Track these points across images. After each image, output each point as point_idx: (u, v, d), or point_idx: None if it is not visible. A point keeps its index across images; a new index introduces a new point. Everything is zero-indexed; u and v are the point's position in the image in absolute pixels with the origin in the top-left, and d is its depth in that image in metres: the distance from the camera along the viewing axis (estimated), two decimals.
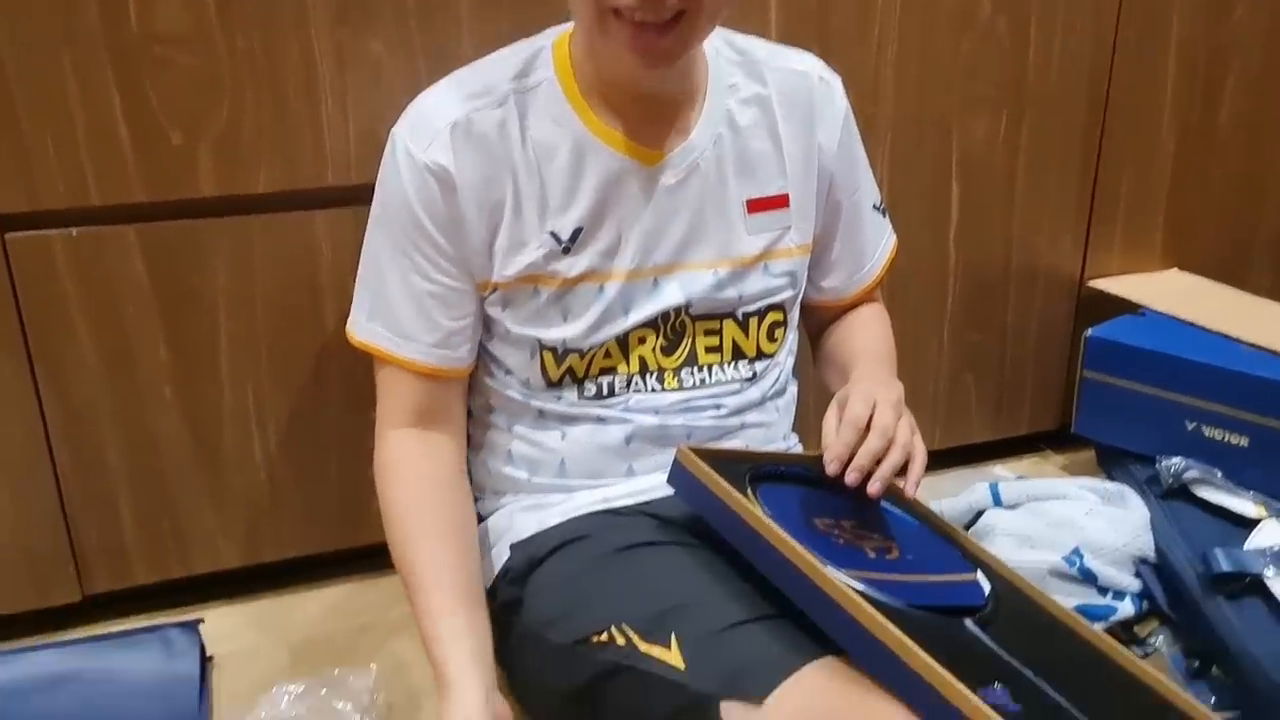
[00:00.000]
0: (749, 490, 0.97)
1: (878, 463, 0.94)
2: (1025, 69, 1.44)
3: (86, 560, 1.24)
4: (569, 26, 1.03)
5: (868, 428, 0.95)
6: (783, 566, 0.88)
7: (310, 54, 1.14)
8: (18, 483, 1.19)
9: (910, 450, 0.96)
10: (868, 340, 1.18)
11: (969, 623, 0.90)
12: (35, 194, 1.10)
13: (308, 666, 1.20)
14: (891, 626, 0.80)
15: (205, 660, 1.19)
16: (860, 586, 0.85)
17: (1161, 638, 1.22)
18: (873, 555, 0.96)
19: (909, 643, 0.78)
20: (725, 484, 0.95)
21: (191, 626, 1.19)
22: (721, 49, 1.08)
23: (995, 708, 0.74)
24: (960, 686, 0.75)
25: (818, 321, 1.24)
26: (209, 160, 1.14)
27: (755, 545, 0.91)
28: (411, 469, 1.04)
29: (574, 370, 1.06)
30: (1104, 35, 1.47)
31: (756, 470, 1.03)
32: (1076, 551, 1.22)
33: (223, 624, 1.28)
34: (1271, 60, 1.58)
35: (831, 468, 0.94)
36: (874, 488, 0.93)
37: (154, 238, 1.15)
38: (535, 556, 1.04)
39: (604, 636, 0.94)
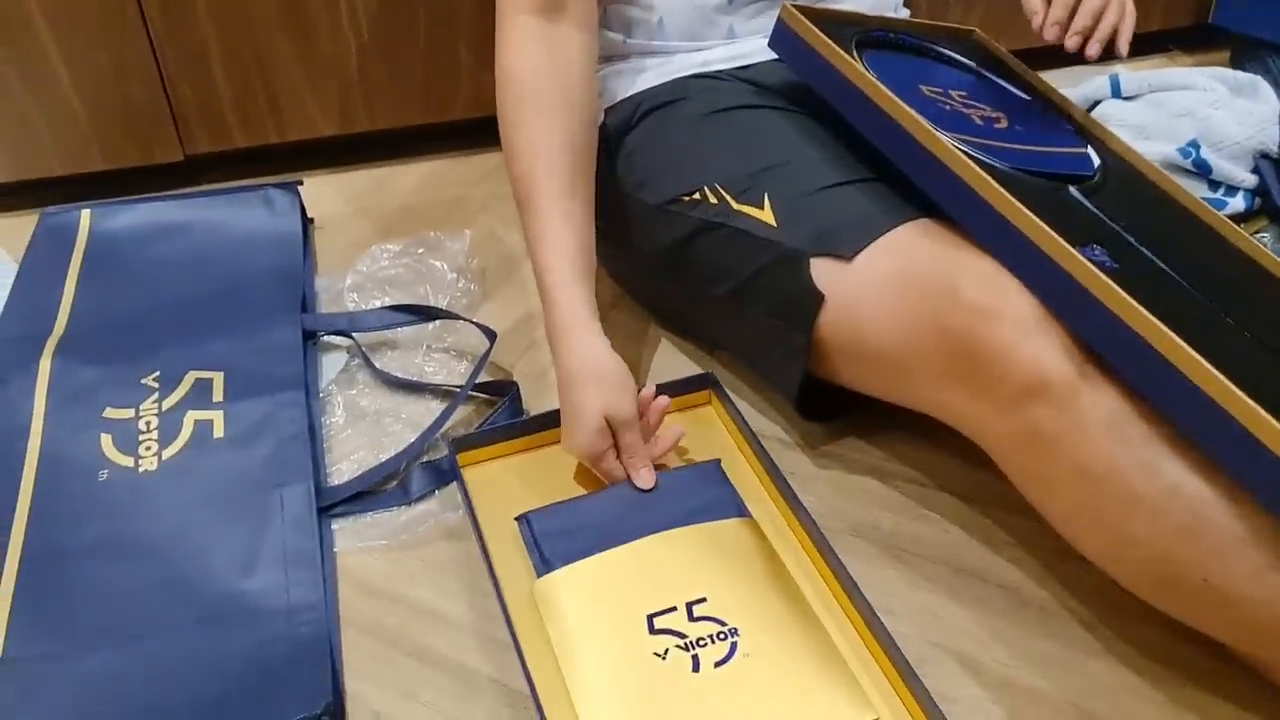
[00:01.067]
0: (855, 53, 0.92)
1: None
2: None
3: (186, 120, 1.26)
4: None
5: None
6: (886, 126, 0.85)
7: None
8: (111, 37, 1.18)
9: (1124, 4, 0.93)
10: None
11: (1074, 189, 0.88)
12: None
13: (403, 231, 1.23)
14: (994, 182, 0.78)
15: (306, 220, 1.23)
16: (964, 149, 0.82)
17: (1269, 235, 1.18)
18: (980, 123, 0.92)
19: (1010, 198, 0.76)
20: (831, 44, 0.90)
21: (291, 188, 1.22)
22: None
23: (1093, 263, 0.73)
24: (1060, 240, 0.74)
25: None
26: None
27: (859, 106, 0.87)
28: (531, 65, 0.93)
29: None
30: None
31: (865, 34, 0.98)
32: (1193, 143, 1.16)
33: (321, 191, 1.30)
34: None
35: (1051, 32, 0.90)
36: (1093, 49, 0.90)
37: None
38: (628, 119, 1.02)
39: (696, 195, 0.94)
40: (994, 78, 1.02)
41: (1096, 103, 1.25)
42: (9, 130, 1.21)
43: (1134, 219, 0.86)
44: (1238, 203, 1.17)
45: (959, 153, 0.80)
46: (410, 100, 1.32)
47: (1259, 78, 1.24)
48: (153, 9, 1.17)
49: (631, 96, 1.02)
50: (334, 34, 1.24)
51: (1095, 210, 0.86)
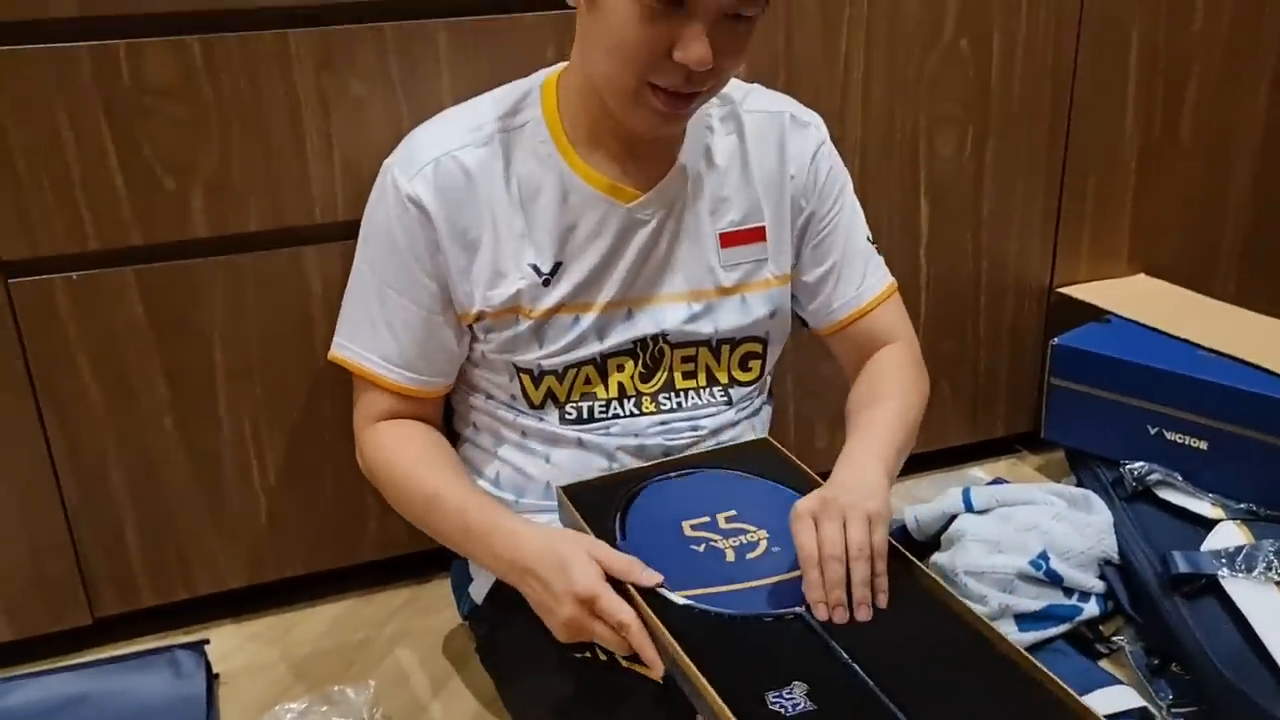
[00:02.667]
0: (618, 514, 1.02)
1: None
2: (989, 86, 1.49)
3: (95, 585, 1.30)
4: (559, 68, 1.08)
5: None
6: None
7: (295, 97, 1.19)
8: (28, 514, 1.24)
9: (872, 555, 0.92)
10: (875, 412, 1.12)
11: (809, 614, 0.91)
12: (35, 241, 1.15)
13: (310, 681, 1.26)
14: (673, 642, 0.85)
15: (212, 679, 1.25)
16: (687, 602, 0.90)
17: (1125, 636, 1.28)
18: (731, 558, 0.98)
19: (684, 656, 0.84)
20: (585, 525, 1.00)
21: (198, 647, 1.25)
22: None
23: (777, 707, 0.80)
24: (720, 702, 0.80)
25: (843, 354, 1.23)
26: (201, 202, 1.19)
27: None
28: (400, 440, 1.11)
29: (554, 393, 1.11)
30: (1064, 51, 1.52)
31: (644, 482, 1.07)
32: (1043, 555, 1.27)
33: (227, 642, 1.33)
34: (1230, 69, 1.63)
35: (819, 611, 0.91)
36: (861, 615, 0.91)
37: (151, 279, 1.20)
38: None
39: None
40: (778, 484, 1.08)
41: (953, 516, 1.37)
42: None
43: (863, 636, 0.89)
44: (1092, 607, 1.27)
45: (655, 619, 0.88)
46: (318, 546, 1.38)
47: (1090, 492, 1.39)
48: (70, 488, 1.24)
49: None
50: (243, 490, 1.32)
51: (822, 634, 0.89)
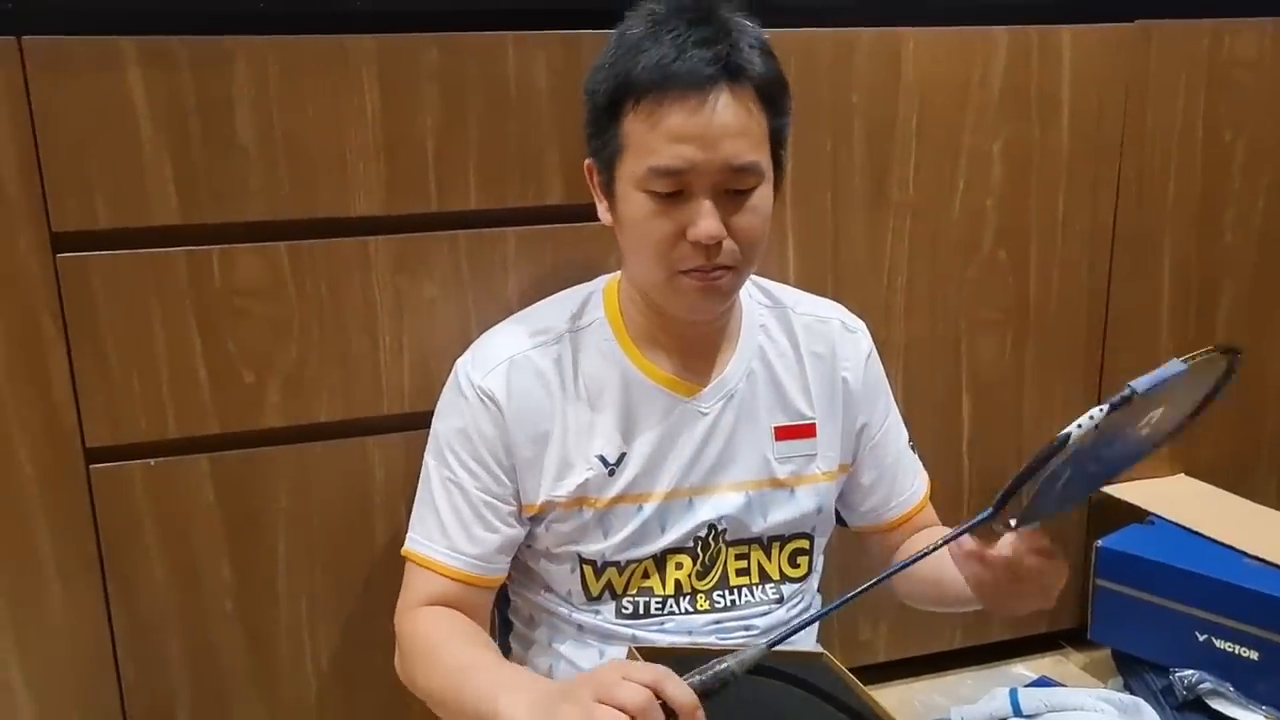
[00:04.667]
0: None
1: None
2: (1027, 294, 1.55)
3: None
4: (617, 275, 1.16)
5: None
6: None
7: (371, 298, 1.26)
8: (84, 691, 1.26)
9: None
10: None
11: None
12: (119, 429, 1.21)
13: None
14: None
15: None
16: None
17: None
18: None
19: None
20: None
21: None
22: (753, 293, 1.19)
23: None
24: None
25: (884, 549, 1.29)
26: (277, 394, 1.25)
27: None
28: (443, 616, 1.11)
29: (613, 586, 1.14)
30: (1099, 262, 1.59)
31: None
32: None
33: None
34: (1261, 278, 1.69)
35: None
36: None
37: (223, 465, 1.25)
38: None
39: None
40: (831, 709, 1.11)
41: (1000, 719, 1.37)
42: None
43: None
44: None
45: None
46: None
47: (1141, 700, 1.37)
48: (128, 667, 1.27)
49: None
50: (295, 673, 1.34)
51: None
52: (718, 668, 0.89)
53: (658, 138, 1.00)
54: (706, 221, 1.00)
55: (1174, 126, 1.59)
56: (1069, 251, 1.57)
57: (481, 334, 1.16)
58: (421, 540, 1.14)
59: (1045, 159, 1.53)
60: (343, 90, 1.21)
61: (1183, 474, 1.71)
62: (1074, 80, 1.51)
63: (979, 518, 0.96)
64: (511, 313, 1.19)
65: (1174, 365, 0.93)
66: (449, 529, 1.13)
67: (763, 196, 1.04)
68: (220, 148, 1.18)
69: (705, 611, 1.15)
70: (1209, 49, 1.58)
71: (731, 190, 1.01)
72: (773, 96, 1.04)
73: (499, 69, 1.26)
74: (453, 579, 1.13)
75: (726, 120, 1.00)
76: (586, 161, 1.10)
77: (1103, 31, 1.53)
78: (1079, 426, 0.90)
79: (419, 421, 1.18)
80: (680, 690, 0.84)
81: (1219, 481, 1.70)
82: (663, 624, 1.14)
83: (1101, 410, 0.89)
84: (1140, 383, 0.91)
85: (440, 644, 1.09)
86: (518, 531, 1.14)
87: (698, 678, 0.87)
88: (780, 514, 1.17)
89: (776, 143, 1.06)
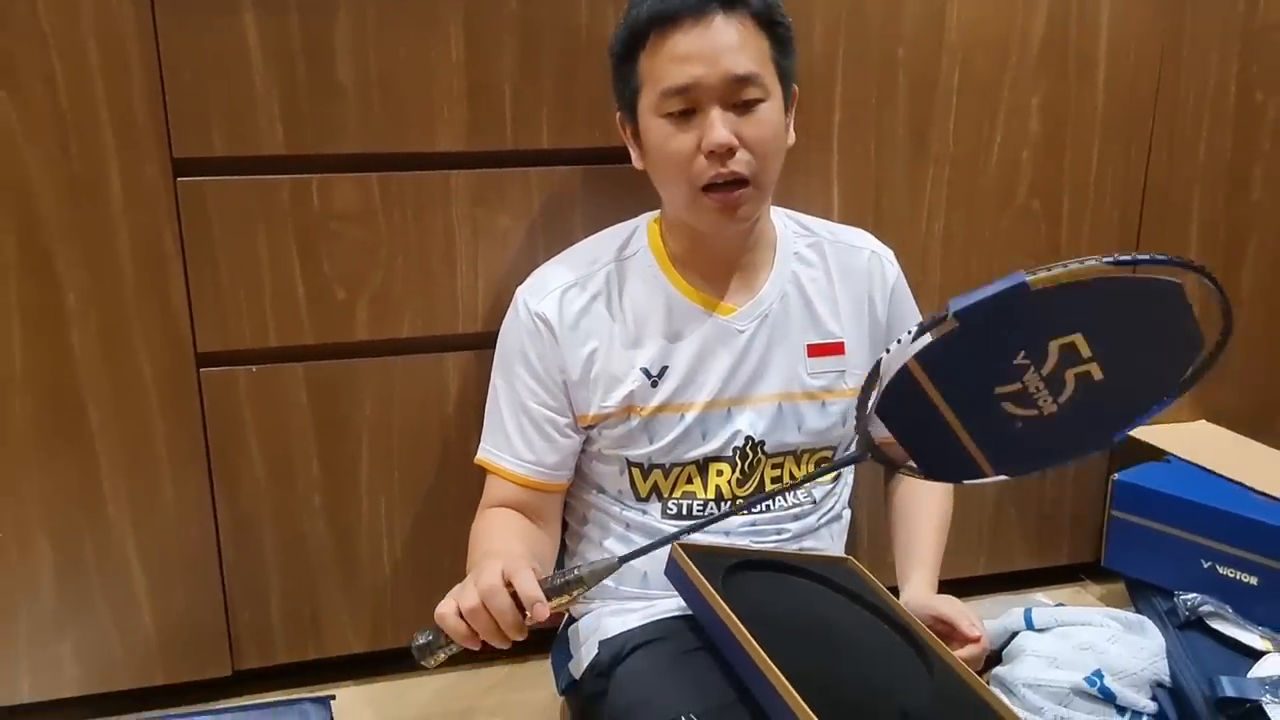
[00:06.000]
0: (722, 581, 1.14)
1: None
2: (1059, 243, 1.64)
3: (239, 640, 1.47)
4: (657, 213, 1.29)
5: None
6: (736, 652, 1.05)
7: (451, 226, 1.40)
8: (191, 574, 1.42)
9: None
10: (923, 523, 1.38)
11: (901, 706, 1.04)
12: (227, 337, 1.36)
13: None
14: (809, 711, 0.95)
15: None
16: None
17: None
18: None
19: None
20: (703, 578, 1.13)
21: (324, 701, 1.40)
22: (790, 224, 1.32)
23: None
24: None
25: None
26: (365, 311, 1.39)
27: (720, 633, 1.08)
28: (503, 514, 1.27)
29: (659, 488, 1.27)
30: (1129, 215, 1.67)
31: (740, 561, 1.20)
32: (1098, 673, 1.37)
33: (349, 703, 1.48)
34: None
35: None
36: None
37: (316, 374, 1.40)
38: (619, 653, 1.24)
39: None
40: (858, 606, 1.22)
41: (1014, 633, 1.48)
42: (88, 649, 1.41)
43: None
44: None
45: (788, 684, 0.98)
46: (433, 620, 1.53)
47: (1145, 618, 1.48)
48: (229, 550, 1.43)
49: (620, 635, 1.25)
50: (374, 564, 1.49)
51: None
52: (570, 575, 1.03)
53: (664, 63, 1.13)
54: (716, 129, 1.12)
55: (1207, 86, 1.66)
56: (1100, 204, 1.65)
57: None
58: (491, 449, 1.29)
59: (1080, 115, 1.61)
60: (431, 38, 1.33)
61: (1203, 420, 1.79)
62: (1111, 39, 1.59)
63: (850, 455, 1.07)
64: (575, 243, 1.32)
65: (1007, 280, 0.89)
66: (513, 440, 1.27)
67: (770, 110, 1.15)
68: (322, 86, 1.31)
69: (742, 515, 1.28)
70: (1243, 12, 1.64)
71: (739, 103, 1.13)
72: (770, 23, 1.15)
73: (572, 20, 1.38)
74: (518, 484, 1.27)
75: (726, 38, 1.12)
76: (617, 114, 1.22)
77: None
78: (886, 351, 0.95)
79: (491, 340, 1.32)
80: (529, 585, 0.99)
81: (1240, 428, 1.78)
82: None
83: (909, 333, 0.94)
84: (956, 301, 0.90)
85: (480, 536, 1.25)
86: (575, 440, 1.27)
87: (551, 581, 1.02)
88: (812, 423, 1.29)
89: (782, 72, 1.17)
